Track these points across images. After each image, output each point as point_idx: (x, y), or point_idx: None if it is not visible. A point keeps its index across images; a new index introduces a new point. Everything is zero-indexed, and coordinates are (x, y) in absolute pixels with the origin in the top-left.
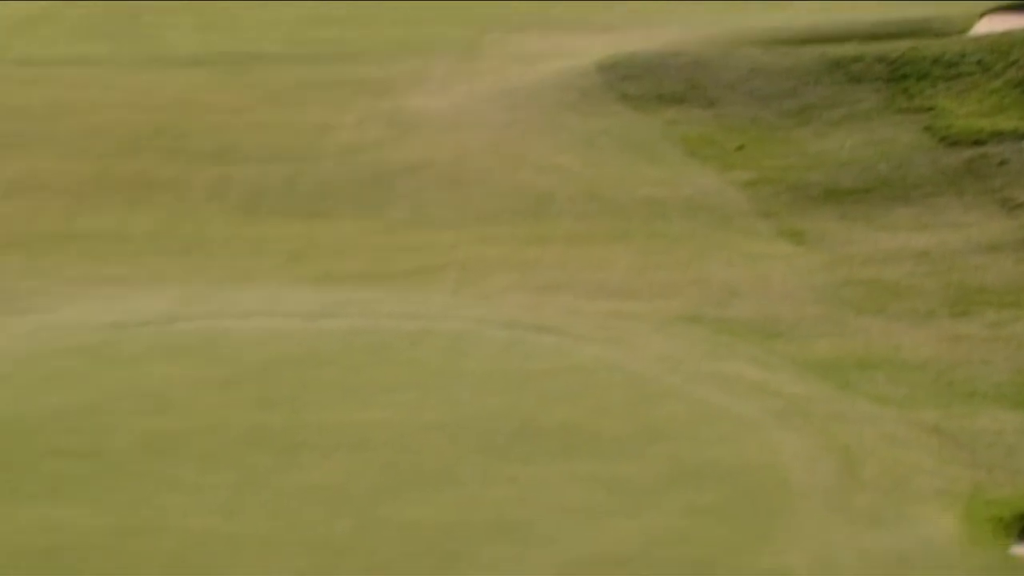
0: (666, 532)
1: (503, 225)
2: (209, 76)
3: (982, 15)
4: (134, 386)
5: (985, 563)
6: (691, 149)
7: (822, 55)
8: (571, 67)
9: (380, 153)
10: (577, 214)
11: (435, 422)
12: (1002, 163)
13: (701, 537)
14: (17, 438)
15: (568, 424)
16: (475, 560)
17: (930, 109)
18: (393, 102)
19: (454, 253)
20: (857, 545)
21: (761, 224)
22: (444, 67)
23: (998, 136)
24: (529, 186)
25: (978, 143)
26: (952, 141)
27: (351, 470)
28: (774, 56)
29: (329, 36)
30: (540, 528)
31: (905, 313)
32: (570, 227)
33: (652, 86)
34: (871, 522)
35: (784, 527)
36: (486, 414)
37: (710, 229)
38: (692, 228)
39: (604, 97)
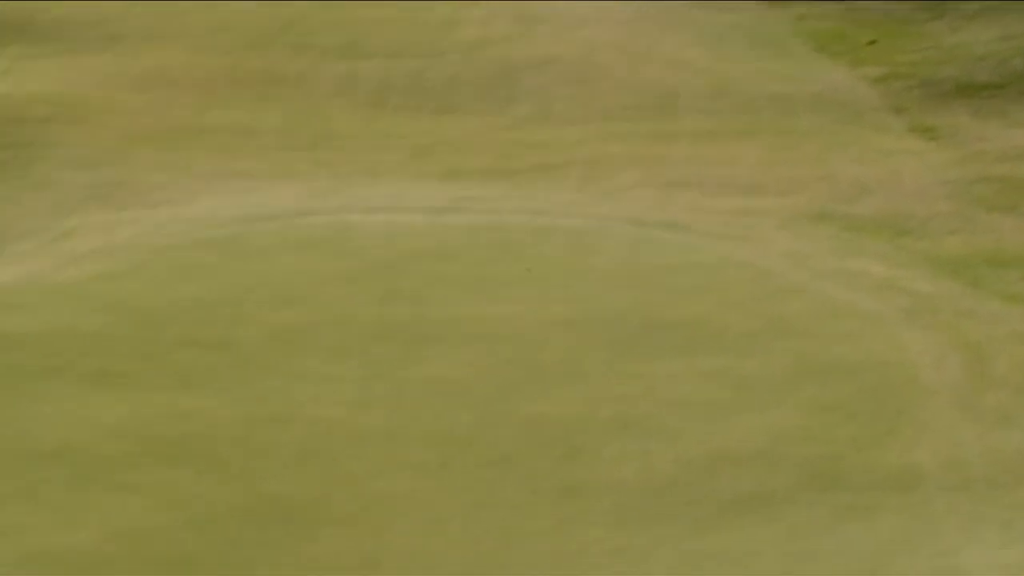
0: (791, 429)
1: (629, 121)
2: None
3: None
4: (263, 279)
5: None
6: (821, 44)
7: None
8: None
9: (506, 49)
10: (704, 110)
11: (559, 318)
12: None
13: (826, 434)
14: (149, 329)
15: (693, 320)
16: (598, 455)
17: None
18: None
19: (579, 149)
20: (986, 444)
21: (892, 120)
22: None
23: None
24: (656, 82)
25: None
26: None
27: (475, 364)
28: None
29: None
30: (664, 424)
31: None
32: (697, 123)
33: None
34: (1000, 421)
35: (911, 425)
36: (610, 310)
37: (839, 125)
38: (821, 124)
39: None
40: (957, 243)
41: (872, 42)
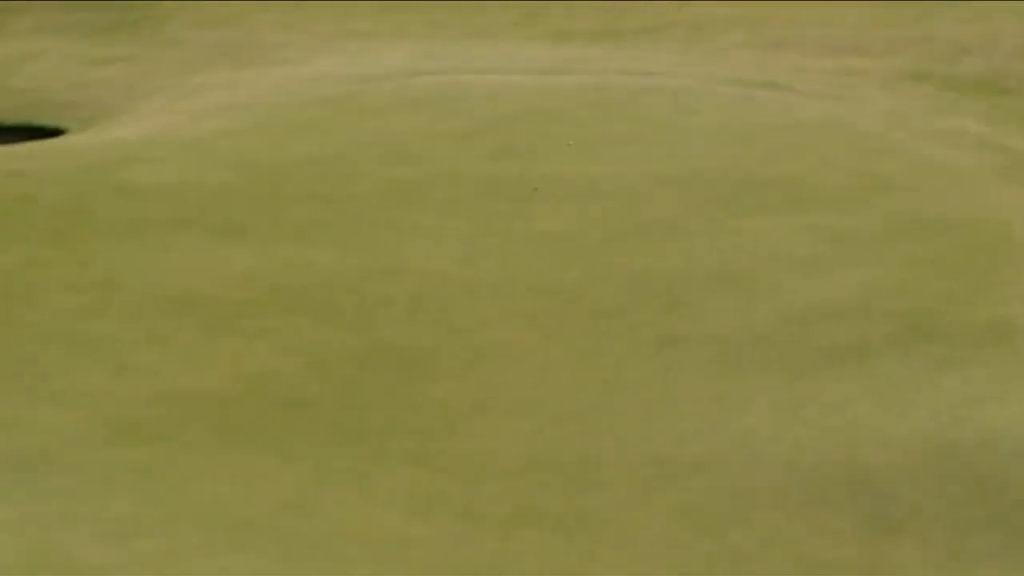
0: (886, 283)
1: None
2: None
3: None
4: (377, 136)
5: None
6: None
7: None
8: None
9: None
10: None
11: (663, 175)
12: None
13: (921, 288)
14: (270, 184)
15: (792, 178)
16: (698, 307)
17: None
18: None
19: (683, 11)
20: None
21: None
22: None
23: None
24: None
25: None
26: None
27: (581, 219)
28: None
29: None
30: (762, 278)
31: None
32: None
33: None
34: None
35: (1005, 279)
36: (712, 168)
37: None
38: None
39: None
40: None
41: None
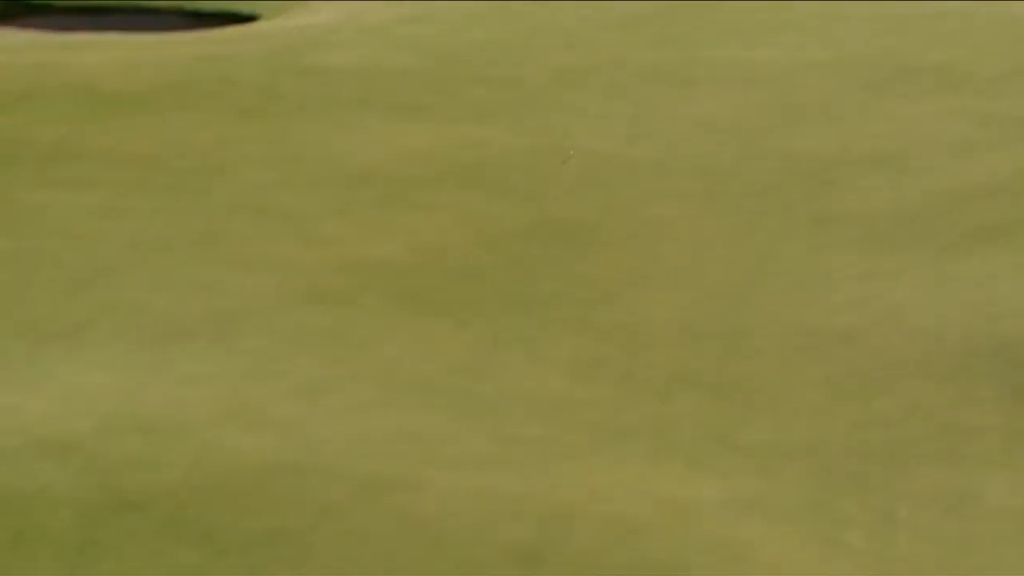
0: None
1: None
2: None
3: None
4: (546, 24)
5: None
6: None
7: None
8: None
9: None
10: None
11: (818, 61)
12: None
13: None
14: (447, 67)
15: (945, 63)
16: (850, 187)
17: None
18: None
19: None
20: None
21: None
22: None
23: None
24: None
25: None
26: None
27: (738, 103)
28: None
29: None
30: (913, 159)
31: None
32: None
33: None
34: None
35: None
36: (866, 53)
37: None
38: None
39: None
40: None
41: None
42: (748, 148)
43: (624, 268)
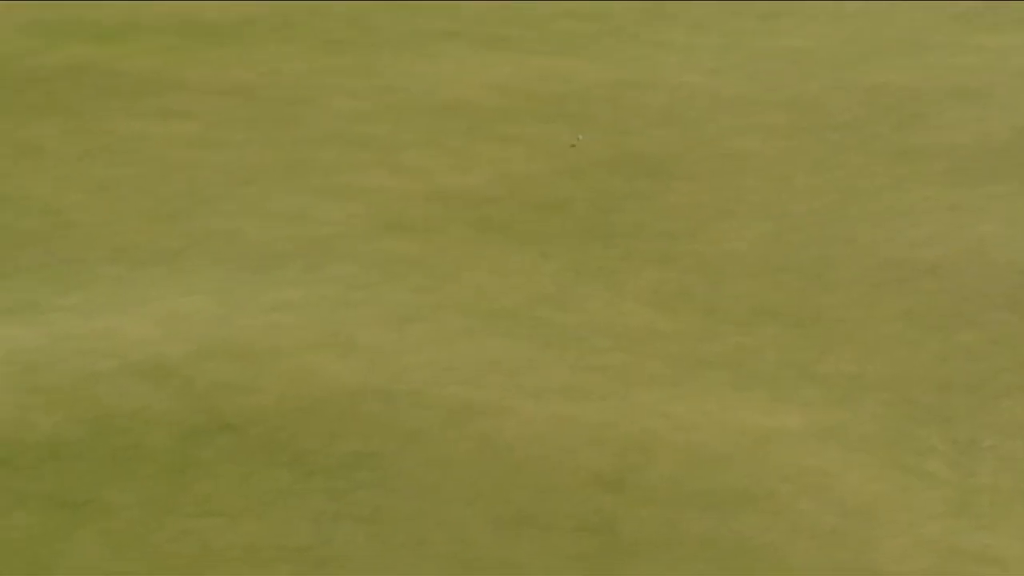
0: None
1: None
2: None
3: None
4: None
5: None
6: None
7: None
8: None
9: None
10: None
11: None
12: None
13: None
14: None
15: None
16: (935, 120)
17: None
18: None
19: None
20: None
21: None
22: None
23: None
24: None
25: None
26: None
27: (823, 36)
28: None
29: None
30: (1000, 93)
31: None
32: None
33: None
34: None
35: None
36: None
37: None
38: None
39: None
40: None
41: None
42: (833, 81)
43: (706, 200)
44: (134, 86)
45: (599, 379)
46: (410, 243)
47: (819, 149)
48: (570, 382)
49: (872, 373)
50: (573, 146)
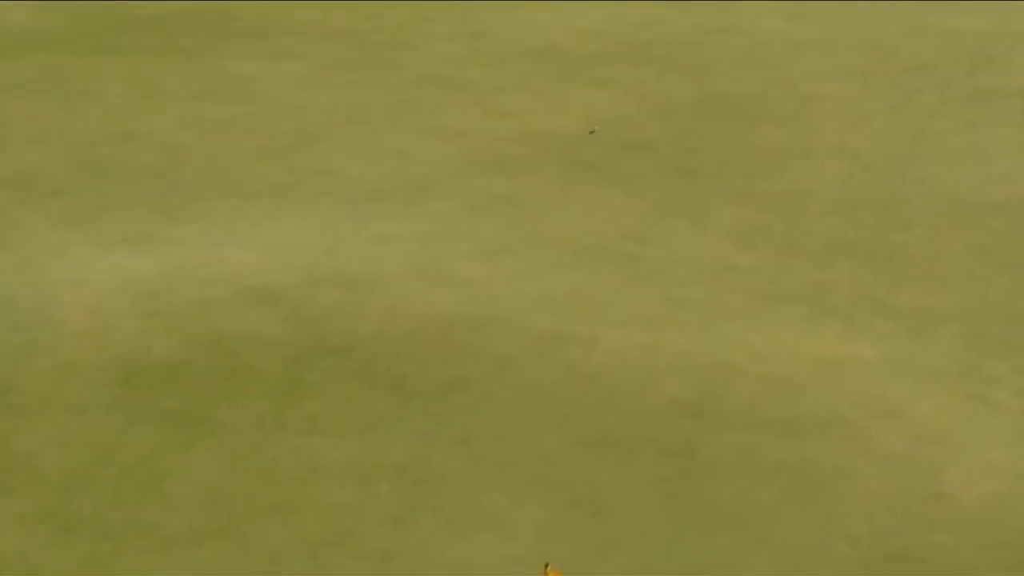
0: None
1: None
2: None
3: None
4: None
5: None
6: None
7: None
8: None
9: None
10: None
11: None
12: None
13: None
14: None
15: None
16: (1009, 64)
17: None
18: None
19: None
20: None
21: None
22: None
23: None
24: None
25: None
26: None
27: None
28: None
29: None
30: None
31: None
32: None
33: None
34: None
35: None
36: None
37: None
38: None
39: None
40: None
41: None
42: (908, 26)
43: (786, 141)
44: (246, 30)
45: (681, 311)
46: (503, 181)
47: (894, 92)
48: (653, 313)
49: (943, 307)
50: (591, 132)
